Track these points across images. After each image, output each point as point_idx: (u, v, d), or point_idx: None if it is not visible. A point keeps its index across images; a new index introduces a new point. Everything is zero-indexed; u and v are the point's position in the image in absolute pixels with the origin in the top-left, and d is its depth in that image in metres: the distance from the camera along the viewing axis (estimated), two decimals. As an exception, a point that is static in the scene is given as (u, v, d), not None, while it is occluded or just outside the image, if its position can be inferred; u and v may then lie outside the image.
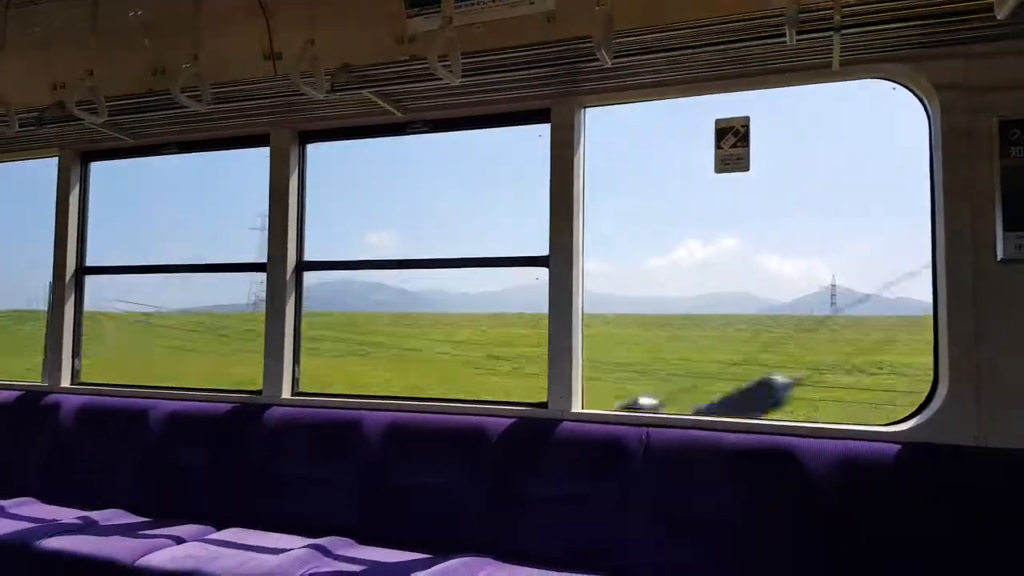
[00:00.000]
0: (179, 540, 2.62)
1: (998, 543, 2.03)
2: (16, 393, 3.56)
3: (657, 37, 2.27)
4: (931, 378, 2.31)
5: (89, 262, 3.69)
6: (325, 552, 2.45)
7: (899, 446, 2.20)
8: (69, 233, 3.62)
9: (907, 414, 2.31)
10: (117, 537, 2.60)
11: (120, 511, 2.97)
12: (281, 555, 2.39)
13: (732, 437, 2.36)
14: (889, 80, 2.41)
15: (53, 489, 3.21)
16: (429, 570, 2.25)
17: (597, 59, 2.23)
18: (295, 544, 2.52)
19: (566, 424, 2.60)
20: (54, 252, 3.63)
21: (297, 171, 3.23)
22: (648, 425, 2.49)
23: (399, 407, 2.89)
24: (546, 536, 2.47)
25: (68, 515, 2.88)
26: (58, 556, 2.47)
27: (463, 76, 2.40)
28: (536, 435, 2.59)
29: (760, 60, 2.39)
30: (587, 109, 2.79)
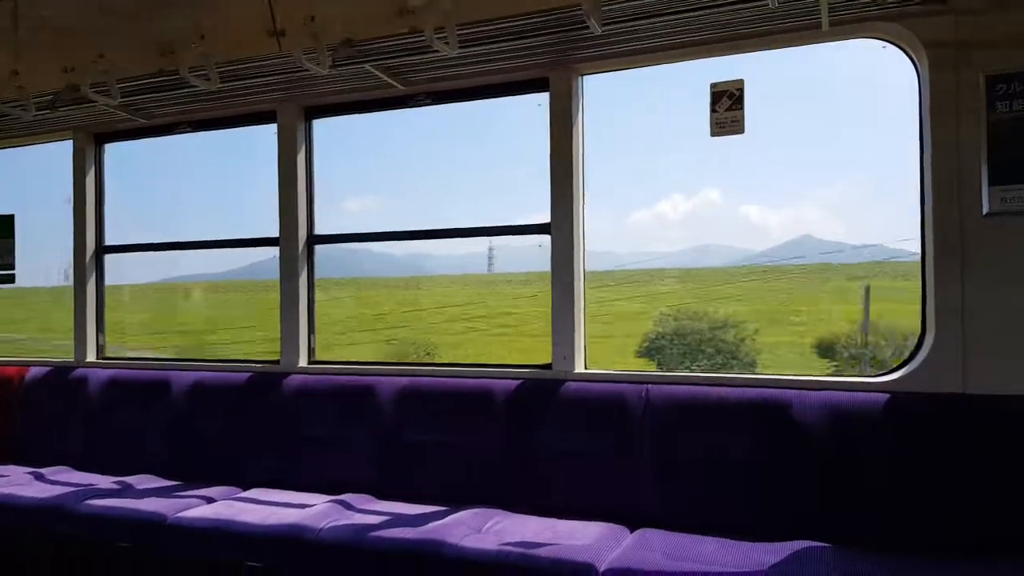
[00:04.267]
0: (209, 500, 2.79)
1: (982, 489, 2.15)
2: (46, 369, 3.72)
3: (645, 2, 2.31)
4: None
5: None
6: (347, 506, 2.61)
7: (888, 395, 2.30)
8: (87, 213, 3.74)
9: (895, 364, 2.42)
10: (151, 498, 2.78)
11: (151, 476, 3.14)
12: (306, 509, 2.56)
13: (728, 391, 2.48)
14: (879, 39, 2.45)
15: (87, 458, 3.39)
16: (443, 520, 2.40)
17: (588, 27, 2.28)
18: (318, 500, 2.69)
19: (570, 384, 2.72)
20: (74, 232, 3.76)
21: (304, 147, 3.31)
22: (648, 382, 2.61)
23: (411, 372, 3.03)
24: (553, 487, 2.61)
25: (103, 481, 3.06)
26: (99, 515, 2.64)
27: (461, 47, 2.46)
28: (542, 395, 2.72)
29: (750, 23, 2.43)
30: (585, 77, 2.85)
